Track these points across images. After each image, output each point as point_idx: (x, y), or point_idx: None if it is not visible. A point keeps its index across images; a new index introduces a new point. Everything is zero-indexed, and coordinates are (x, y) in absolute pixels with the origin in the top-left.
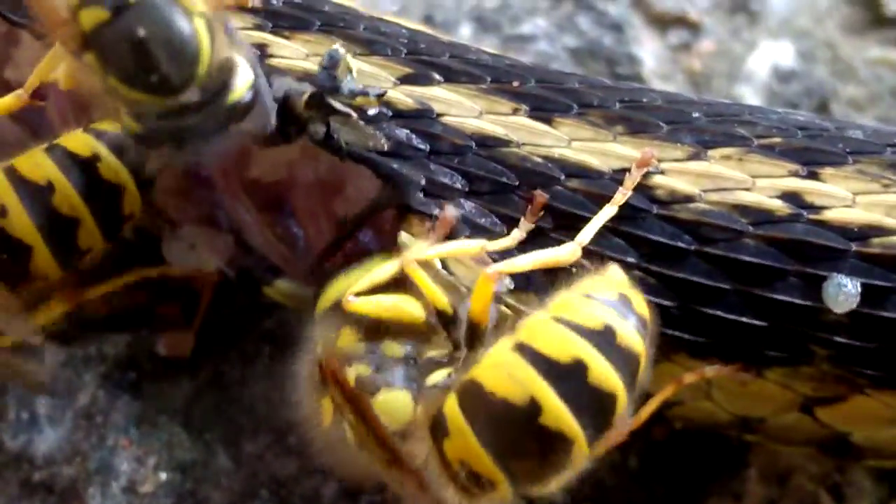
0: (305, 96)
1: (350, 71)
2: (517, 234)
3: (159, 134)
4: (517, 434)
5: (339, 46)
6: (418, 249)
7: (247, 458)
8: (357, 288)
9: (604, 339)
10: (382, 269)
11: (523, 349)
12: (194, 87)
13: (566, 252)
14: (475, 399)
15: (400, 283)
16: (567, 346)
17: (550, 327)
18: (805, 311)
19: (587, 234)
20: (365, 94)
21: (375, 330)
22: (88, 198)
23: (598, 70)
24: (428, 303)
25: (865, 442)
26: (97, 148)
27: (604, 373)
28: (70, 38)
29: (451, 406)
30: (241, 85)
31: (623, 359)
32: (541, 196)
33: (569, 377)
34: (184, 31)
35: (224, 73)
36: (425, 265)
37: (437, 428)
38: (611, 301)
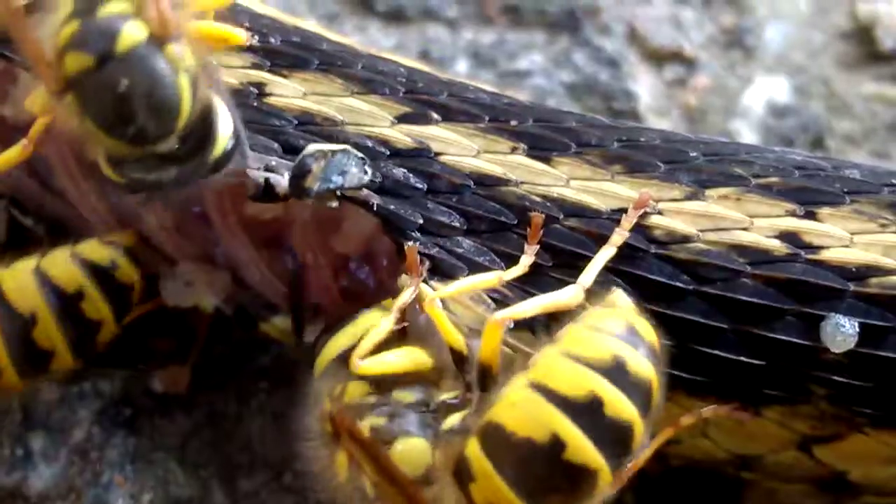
0: (283, 185)
1: (328, 157)
2: (526, 260)
3: (137, 182)
4: (543, 472)
5: (313, 150)
6: (441, 289)
7: (242, 496)
8: (361, 351)
9: (615, 370)
10: (381, 327)
11: (539, 387)
12: (172, 138)
13: (569, 295)
14: (498, 441)
15: (400, 332)
16: (581, 382)
17: (563, 364)
18: (803, 350)
19: (589, 275)
20: (336, 190)
21: (384, 381)
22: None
23: (594, 105)
24: (435, 346)
25: (863, 480)
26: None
27: (619, 405)
28: (52, 79)
29: (474, 450)
30: (223, 136)
31: (636, 388)
32: (537, 216)
33: (586, 412)
34: (166, 88)
35: (205, 125)
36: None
37: (462, 473)
38: (619, 332)
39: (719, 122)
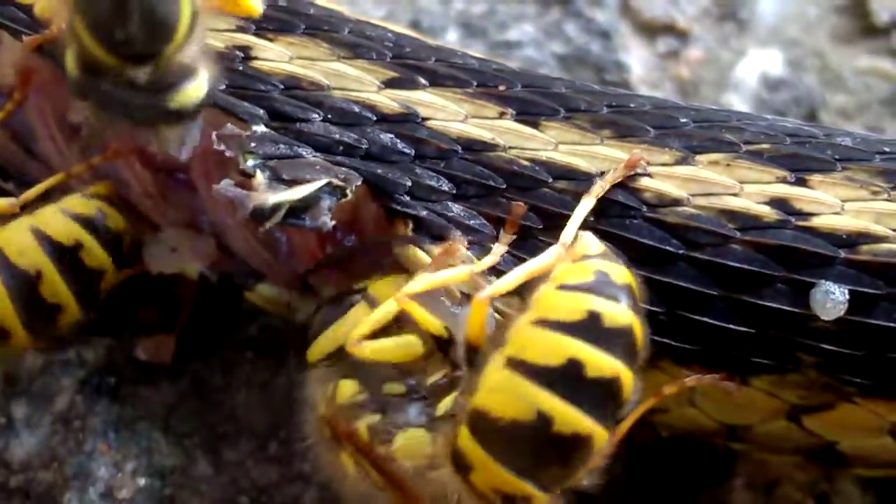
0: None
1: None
2: (499, 249)
3: (103, 96)
4: (537, 449)
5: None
6: (410, 286)
7: (227, 465)
8: (361, 330)
9: (591, 327)
10: (383, 310)
11: (516, 365)
12: (150, 68)
13: (551, 256)
14: (486, 428)
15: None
16: (557, 350)
17: (535, 335)
18: (792, 317)
19: (569, 232)
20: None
21: (373, 374)
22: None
23: (585, 77)
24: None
25: (853, 450)
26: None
27: (600, 363)
28: None
29: (465, 439)
30: (192, 92)
31: (616, 339)
32: (518, 206)
33: (567, 379)
34: (171, 5)
35: (183, 72)
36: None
37: (460, 464)
38: (589, 284)
39: (712, 95)
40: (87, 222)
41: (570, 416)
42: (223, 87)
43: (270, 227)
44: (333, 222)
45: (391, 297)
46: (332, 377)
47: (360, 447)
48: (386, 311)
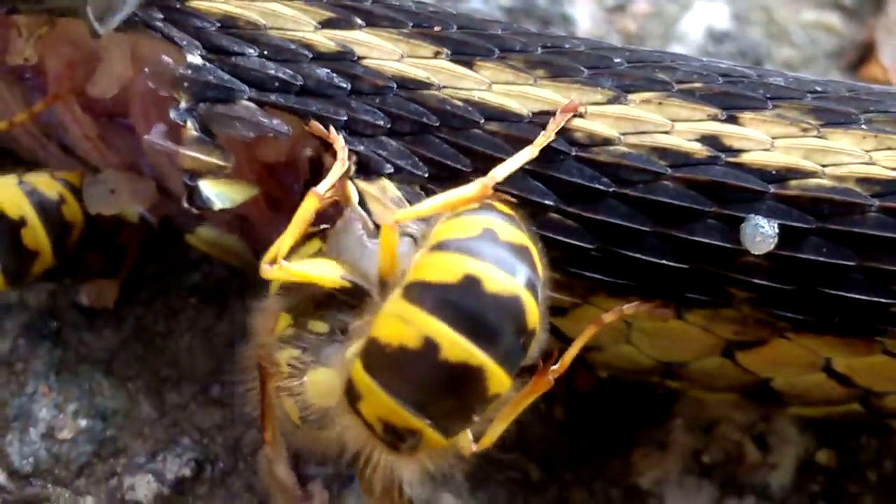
0: None
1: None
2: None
3: None
4: (424, 377)
5: None
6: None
7: (170, 408)
8: (270, 255)
9: (487, 240)
10: (298, 220)
11: (411, 290)
12: None
13: (473, 190)
14: (375, 355)
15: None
16: (453, 267)
17: (432, 257)
18: (724, 252)
19: (499, 171)
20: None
21: (304, 311)
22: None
23: None
24: (356, 263)
25: (787, 387)
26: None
27: (498, 277)
28: None
29: (357, 369)
30: None
31: (514, 255)
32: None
33: (463, 299)
34: None
35: None
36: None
37: (351, 395)
38: (478, 210)
39: (657, 48)
40: (67, 184)
41: (457, 344)
42: (160, 18)
43: None
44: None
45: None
46: (275, 312)
47: (261, 377)
48: (303, 217)
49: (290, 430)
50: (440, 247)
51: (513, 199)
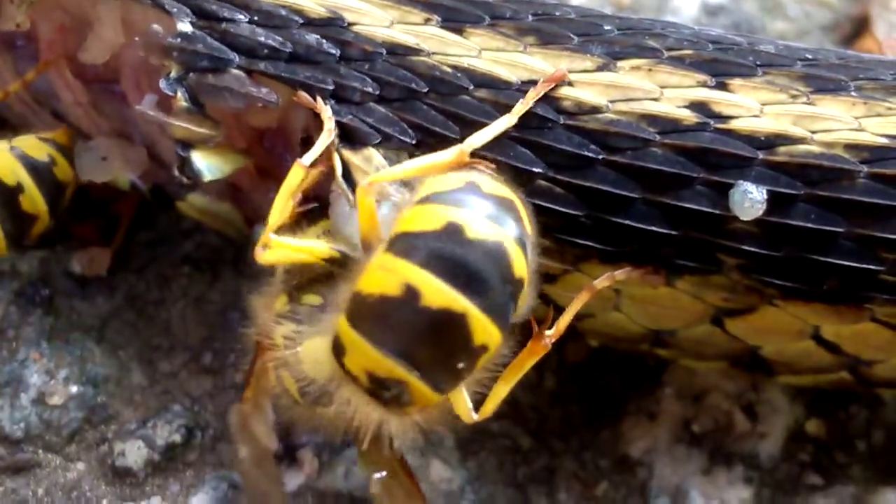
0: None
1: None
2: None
3: None
4: (406, 324)
5: None
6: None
7: (161, 376)
8: (264, 239)
9: (470, 191)
10: (285, 193)
11: (393, 242)
12: None
13: (450, 155)
14: (359, 307)
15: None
16: (434, 216)
17: (415, 209)
18: (713, 218)
19: (478, 138)
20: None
21: (300, 287)
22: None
23: None
24: (351, 236)
25: (775, 355)
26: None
27: (480, 224)
28: None
29: (342, 323)
30: None
31: (499, 206)
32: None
33: (444, 245)
34: None
35: None
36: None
37: (336, 350)
38: (462, 169)
39: None
40: (54, 144)
41: (438, 289)
42: None
43: None
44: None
45: None
46: (276, 293)
47: (256, 350)
48: (290, 187)
49: (290, 405)
50: (423, 200)
51: (492, 165)
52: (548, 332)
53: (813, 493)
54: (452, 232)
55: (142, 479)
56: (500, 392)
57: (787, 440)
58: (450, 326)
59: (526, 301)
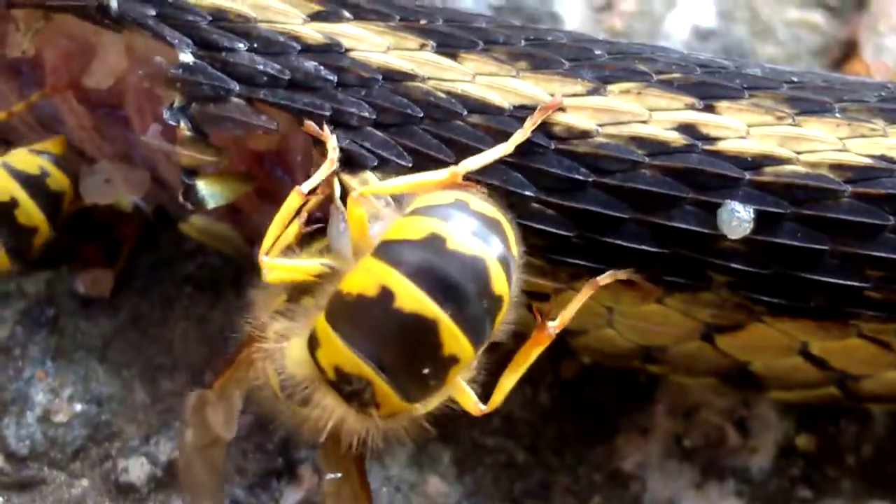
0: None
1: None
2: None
3: None
4: (377, 324)
5: None
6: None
7: (163, 394)
8: (265, 247)
9: (457, 207)
10: (288, 230)
11: (378, 249)
12: None
13: (442, 175)
14: (337, 306)
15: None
16: (419, 226)
17: (402, 220)
18: (701, 237)
19: (472, 162)
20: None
21: (301, 290)
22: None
23: None
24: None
25: (765, 371)
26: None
27: (462, 237)
28: None
29: (320, 320)
30: None
31: (483, 224)
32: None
33: (424, 253)
34: None
35: None
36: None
37: (312, 344)
38: (453, 188)
39: None
40: (47, 155)
41: (411, 293)
42: (152, 14)
43: None
44: None
45: None
46: (277, 293)
47: (245, 340)
48: (289, 233)
49: (275, 406)
50: (411, 213)
51: (484, 189)
52: (551, 324)
53: None
54: (434, 242)
55: (145, 494)
56: (506, 383)
57: (777, 455)
58: (419, 331)
59: (505, 319)
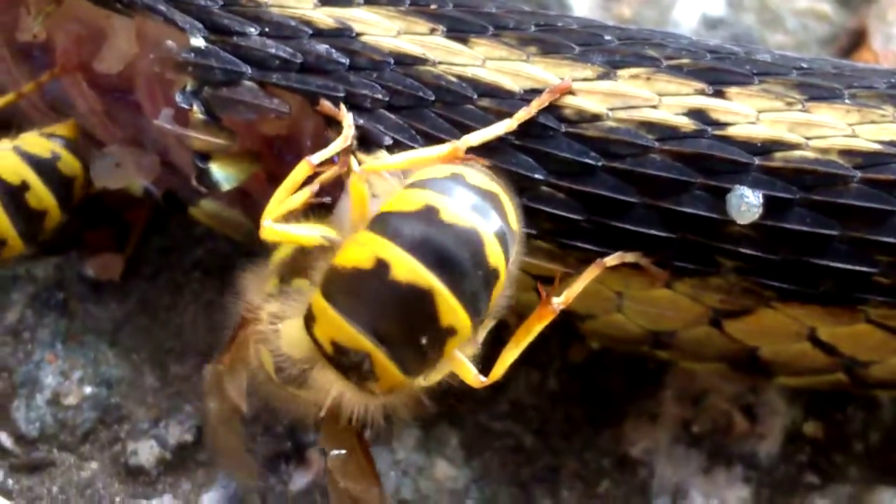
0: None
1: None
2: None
3: None
4: (373, 296)
5: None
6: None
7: (173, 378)
8: (269, 212)
9: (454, 181)
10: (296, 196)
11: (374, 221)
12: None
13: (444, 149)
14: (333, 280)
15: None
16: (415, 198)
17: (398, 193)
18: (710, 222)
19: (473, 137)
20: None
21: (292, 271)
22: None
23: None
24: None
25: (773, 356)
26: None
27: (457, 209)
28: None
29: (316, 295)
30: None
31: (480, 197)
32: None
33: (418, 223)
34: None
35: None
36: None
37: (308, 320)
38: (454, 164)
39: None
40: (58, 138)
41: (406, 264)
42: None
43: None
44: None
45: None
46: (268, 275)
47: (240, 323)
48: (299, 198)
49: (271, 387)
50: (408, 186)
51: (486, 164)
52: (556, 299)
53: (811, 493)
54: (429, 213)
55: (154, 477)
56: (508, 356)
57: (785, 441)
58: (415, 301)
59: (502, 293)
